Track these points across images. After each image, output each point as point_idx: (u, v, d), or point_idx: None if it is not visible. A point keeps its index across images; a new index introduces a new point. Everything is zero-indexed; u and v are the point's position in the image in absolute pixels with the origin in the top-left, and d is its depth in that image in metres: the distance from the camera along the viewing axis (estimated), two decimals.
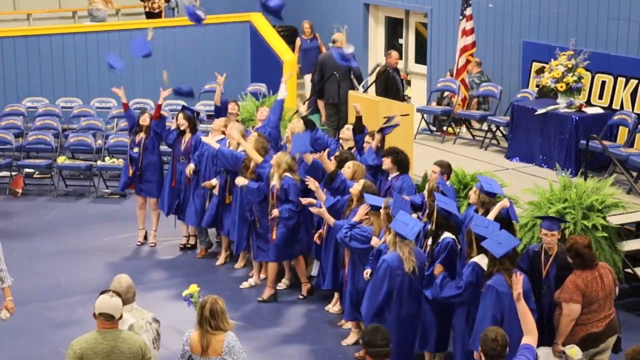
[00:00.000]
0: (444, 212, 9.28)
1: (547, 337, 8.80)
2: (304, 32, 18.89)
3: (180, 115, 12.80)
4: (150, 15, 19.56)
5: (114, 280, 7.40)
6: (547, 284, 8.84)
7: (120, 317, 6.87)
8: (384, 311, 8.94)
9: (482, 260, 8.65)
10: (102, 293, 6.90)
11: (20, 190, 15.34)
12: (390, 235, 9.01)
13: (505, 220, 9.24)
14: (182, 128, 12.72)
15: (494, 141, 14.73)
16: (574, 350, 8.43)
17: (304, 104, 16.43)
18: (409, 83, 18.39)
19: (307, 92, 18.21)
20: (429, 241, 9.41)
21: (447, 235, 9.29)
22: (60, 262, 12.65)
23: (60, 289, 11.86)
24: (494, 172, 11.50)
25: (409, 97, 16.94)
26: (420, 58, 18.42)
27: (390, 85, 15.95)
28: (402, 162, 10.92)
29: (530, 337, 7.08)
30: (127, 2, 20.37)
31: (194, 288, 9.42)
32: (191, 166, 12.53)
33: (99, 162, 15.57)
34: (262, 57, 18.81)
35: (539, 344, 8.68)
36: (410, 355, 9.25)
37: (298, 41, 19.08)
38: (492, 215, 9.19)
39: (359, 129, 11.82)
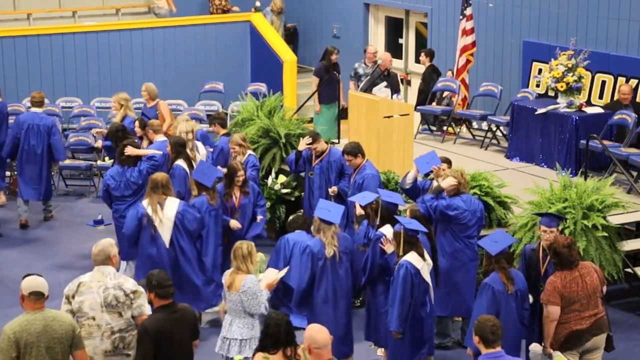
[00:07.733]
0: (388, 205, 9.42)
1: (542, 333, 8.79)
2: (144, 97, 14.63)
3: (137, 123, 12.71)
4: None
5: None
6: (544, 281, 8.82)
7: (48, 297, 7.05)
8: (310, 295, 9.21)
9: (412, 258, 8.67)
10: (25, 276, 7.14)
11: None
12: (314, 223, 9.23)
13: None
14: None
15: (494, 141, 14.73)
16: (560, 358, 8.44)
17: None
18: (409, 83, 18.39)
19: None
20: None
21: (382, 230, 9.27)
22: (60, 262, 12.64)
23: (61, 288, 11.79)
24: (494, 172, 11.50)
25: None
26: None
27: None
28: None
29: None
30: (128, 2, 20.36)
31: None
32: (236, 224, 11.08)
33: (99, 162, 15.55)
34: (262, 57, 18.82)
35: (535, 340, 8.71)
36: (347, 342, 9.39)
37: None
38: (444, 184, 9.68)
39: None
